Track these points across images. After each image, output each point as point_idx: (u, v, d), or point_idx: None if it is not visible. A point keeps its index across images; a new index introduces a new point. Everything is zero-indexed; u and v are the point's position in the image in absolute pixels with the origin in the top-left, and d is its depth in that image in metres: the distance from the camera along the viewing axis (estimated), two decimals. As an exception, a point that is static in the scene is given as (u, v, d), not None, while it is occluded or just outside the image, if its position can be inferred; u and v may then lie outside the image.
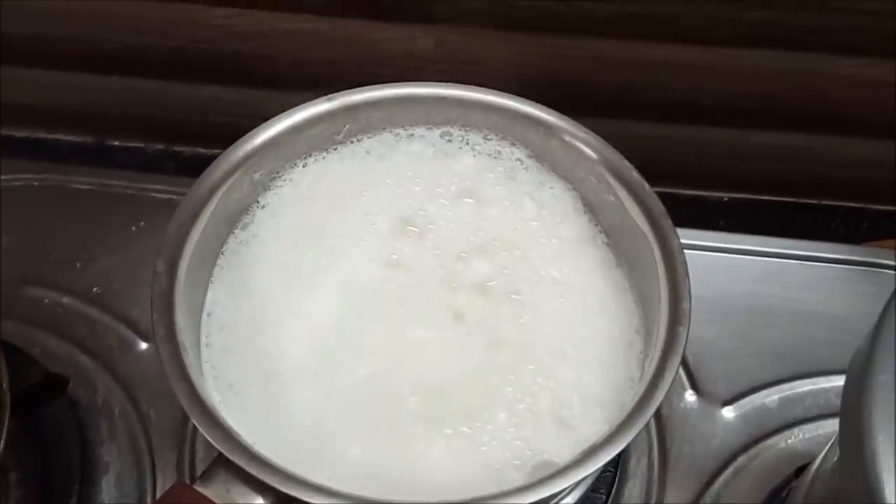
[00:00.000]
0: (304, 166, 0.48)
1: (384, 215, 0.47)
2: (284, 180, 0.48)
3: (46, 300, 0.58)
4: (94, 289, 0.58)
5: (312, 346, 0.44)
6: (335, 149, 0.49)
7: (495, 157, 0.49)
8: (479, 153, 0.49)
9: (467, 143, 0.49)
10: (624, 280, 0.46)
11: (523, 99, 0.48)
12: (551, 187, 0.48)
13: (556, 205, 0.48)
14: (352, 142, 0.49)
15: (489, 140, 0.49)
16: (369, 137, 0.49)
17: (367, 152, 0.49)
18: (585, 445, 0.38)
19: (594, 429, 0.41)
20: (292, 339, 0.44)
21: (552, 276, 0.46)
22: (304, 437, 0.41)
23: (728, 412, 0.54)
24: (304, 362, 0.43)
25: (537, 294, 0.45)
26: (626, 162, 0.46)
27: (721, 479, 0.52)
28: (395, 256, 0.46)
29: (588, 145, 0.47)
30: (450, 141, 0.49)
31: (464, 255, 0.46)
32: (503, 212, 0.48)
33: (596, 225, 0.48)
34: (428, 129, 0.49)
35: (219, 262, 0.46)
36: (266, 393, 0.42)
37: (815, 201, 0.72)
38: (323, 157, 0.49)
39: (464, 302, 0.45)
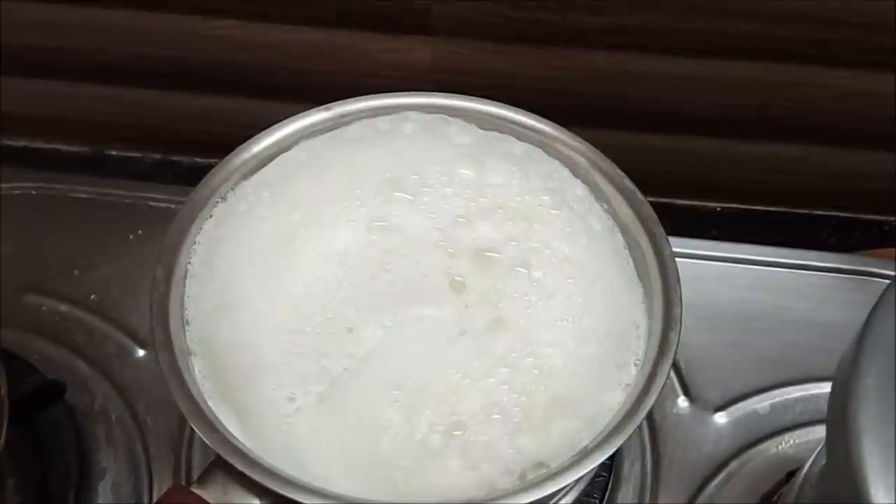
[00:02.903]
0: (290, 148, 0.47)
1: (371, 178, 0.44)
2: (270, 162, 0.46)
3: (44, 307, 0.58)
4: (92, 296, 0.58)
5: (281, 335, 0.40)
6: (324, 132, 0.47)
7: (495, 139, 0.47)
8: (479, 135, 0.47)
9: (465, 130, 0.47)
10: (635, 271, 0.44)
11: (518, 108, 0.48)
12: (559, 171, 0.46)
13: (566, 183, 0.46)
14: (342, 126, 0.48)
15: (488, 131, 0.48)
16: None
17: (360, 128, 0.47)
18: (577, 449, 0.38)
19: (589, 429, 0.39)
20: (259, 326, 0.41)
21: (564, 251, 0.43)
22: (276, 454, 0.38)
23: (720, 418, 0.55)
24: (271, 357, 0.40)
25: (546, 270, 0.42)
26: (618, 170, 0.46)
27: (713, 483, 0.52)
28: (380, 223, 0.43)
29: (581, 154, 0.46)
30: (447, 123, 0.47)
31: (463, 219, 0.43)
32: (508, 180, 0.45)
33: (608, 212, 0.46)
34: (426, 113, 0.48)
35: (196, 242, 0.44)
36: (227, 397, 0.40)
37: (806, 211, 0.72)
38: (313, 136, 0.47)
39: (463, 270, 0.42)
